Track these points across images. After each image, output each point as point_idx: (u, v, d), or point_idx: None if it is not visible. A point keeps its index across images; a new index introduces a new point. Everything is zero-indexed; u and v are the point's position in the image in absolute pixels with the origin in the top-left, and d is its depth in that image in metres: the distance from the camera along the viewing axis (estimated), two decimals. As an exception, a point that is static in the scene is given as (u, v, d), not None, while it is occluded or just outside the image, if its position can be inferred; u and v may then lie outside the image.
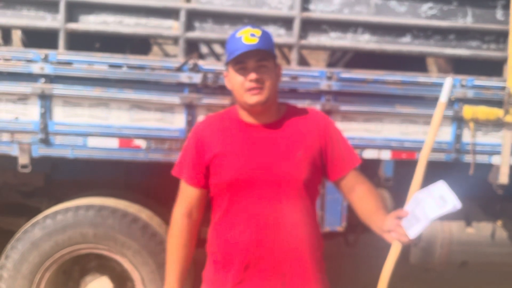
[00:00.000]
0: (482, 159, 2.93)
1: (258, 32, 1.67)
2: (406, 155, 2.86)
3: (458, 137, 2.88)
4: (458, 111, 2.85)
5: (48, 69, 2.60)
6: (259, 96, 1.65)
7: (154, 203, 3.13)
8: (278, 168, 1.69)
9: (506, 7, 2.87)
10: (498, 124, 2.89)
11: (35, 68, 2.60)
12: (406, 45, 2.86)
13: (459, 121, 2.87)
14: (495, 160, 2.93)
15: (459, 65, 3.42)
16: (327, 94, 2.76)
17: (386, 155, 2.85)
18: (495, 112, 2.84)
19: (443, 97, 1.64)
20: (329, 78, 2.74)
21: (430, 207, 1.50)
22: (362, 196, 1.78)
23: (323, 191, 2.86)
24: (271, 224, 1.68)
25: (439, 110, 1.66)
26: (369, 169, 2.63)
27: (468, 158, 2.90)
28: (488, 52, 2.92)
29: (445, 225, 3.24)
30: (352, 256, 5.08)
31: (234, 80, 1.69)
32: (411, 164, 2.94)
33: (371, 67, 2.85)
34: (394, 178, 2.89)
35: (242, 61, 1.66)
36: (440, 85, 2.80)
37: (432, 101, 2.83)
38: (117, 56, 2.65)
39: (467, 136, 2.89)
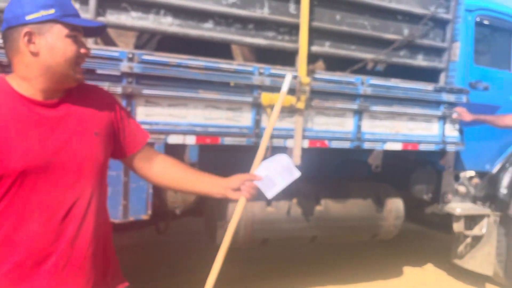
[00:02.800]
0: (278, 142, 3.15)
1: None
2: (210, 140, 2.90)
3: (257, 122, 3.04)
4: (257, 98, 3.00)
5: None
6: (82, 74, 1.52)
7: None
8: (74, 150, 1.50)
9: (298, 1, 3.11)
10: (291, 110, 3.14)
11: None
12: (208, 30, 2.89)
13: (258, 107, 3.03)
14: (289, 143, 3.18)
15: (263, 55, 3.63)
16: (129, 76, 2.62)
17: (190, 140, 2.85)
18: (289, 99, 3.08)
19: (284, 87, 1.86)
20: (130, 59, 2.60)
21: (281, 175, 1.72)
22: (169, 166, 1.73)
23: (126, 179, 2.72)
24: (70, 214, 1.49)
25: (281, 97, 1.84)
26: (174, 154, 2.58)
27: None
28: (283, 43, 3.15)
29: (248, 206, 3.41)
30: (166, 243, 5.06)
31: (64, 46, 1.45)
32: (215, 149, 3.04)
33: (182, 52, 2.81)
34: (199, 163, 2.91)
35: (79, 30, 1.47)
36: (241, 72, 2.95)
37: (234, 88, 2.93)
38: None
39: (265, 121, 3.07)
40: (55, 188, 1.48)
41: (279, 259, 4.89)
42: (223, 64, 2.87)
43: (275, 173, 1.71)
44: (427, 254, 5.34)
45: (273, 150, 3.11)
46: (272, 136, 3.09)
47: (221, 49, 3.99)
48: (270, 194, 1.71)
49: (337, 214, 3.75)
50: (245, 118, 3.02)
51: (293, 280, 4.27)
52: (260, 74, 3.00)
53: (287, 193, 3.65)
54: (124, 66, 2.59)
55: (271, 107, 3.04)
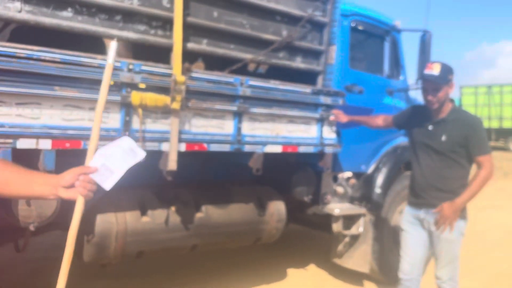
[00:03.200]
0: (152, 146, 2.88)
1: None
2: (70, 144, 2.55)
3: (127, 124, 2.74)
4: (126, 97, 2.71)
5: None
6: None
7: None
8: None
9: (172, -5, 2.89)
10: (166, 111, 2.89)
11: None
12: (67, 20, 2.54)
13: (127, 107, 2.74)
14: (164, 147, 2.93)
15: (139, 52, 3.34)
16: (-38, 69, 2.19)
17: (45, 144, 2.46)
18: (163, 99, 2.84)
19: (110, 59, 1.65)
20: (-36, 49, 2.17)
21: (123, 159, 1.58)
22: None
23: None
24: None
25: (107, 71, 1.65)
26: (25, 161, 2.20)
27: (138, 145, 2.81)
28: (156, 38, 2.90)
29: (119, 217, 3.10)
30: (30, 261, 4.50)
31: None
32: (77, 155, 2.69)
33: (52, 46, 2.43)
34: (56, 171, 2.54)
35: None
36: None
37: (97, 85, 2.61)
38: None
39: (136, 123, 2.79)
40: None
41: (156, 270, 4.60)
42: (85, 58, 2.53)
43: (114, 160, 1.58)
44: (309, 254, 5.42)
45: (148, 155, 2.84)
46: (145, 140, 2.82)
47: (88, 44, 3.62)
48: (107, 185, 1.55)
49: (219, 220, 3.58)
50: (112, 119, 2.71)
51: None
52: (130, 70, 2.71)
53: (164, 201, 3.41)
54: (-44, 57, 2.15)
55: (143, 107, 2.78)
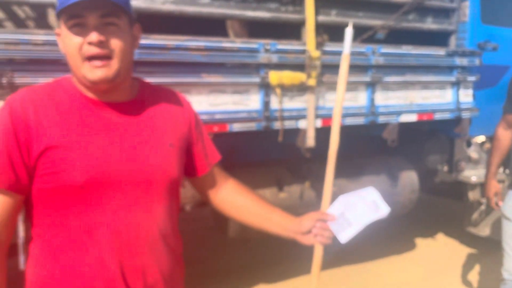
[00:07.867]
0: (290, 124, 2.89)
1: None
2: (218, 127, 2.63)
3: (266, 104, 2.77)
4: (264, 77, 2.72)
5: None
6: (105, 70, 1.17)
7: None
8: (147, 162, 1.24)
9: (301, -32, 2.81)
10: (302, 89, 2.87)
11: None
12: (206, 6, 2.58)
13: (266, 87, 2.76)
14: (301, 124, 2.92)
15: (254, 29, 3.34)
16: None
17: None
18: (299, 77, 2.81)
19: (346, 49, 1.49)
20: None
21: (364, 212, 1.46)
22: (236, 194, 1.51)
23: None
24: (141, 238, 1.23)
25: (345, 63, 1.50)
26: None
27: (277, 124, 2.84)
28: (287, 14, 2.85)
29: (259, 192, 3.18)
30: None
31: (68, 41, 1.16)
32: (223, 137, 2.78)
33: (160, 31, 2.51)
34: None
35: (79, 15, 1.14)
36: (245, 50, 2.67)
37: (238, 68, 2.65)
38: None
39: (275, 103, 2.80)
40: (120, 208, 1.21)
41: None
42: (226, 43, 2.58)
43: (354, 211, 1.46)
44: (434, 223, 5.21)
45: (285, 133, 2.87)
46: (284, 118, 2.83)
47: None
48: (343, 237, 1.45)
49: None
50: (253, 101, 2.75)
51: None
52: (266, 51, 2.71)
53: (299, 176, 3.42)
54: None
55: (281, 86, 2.78)
